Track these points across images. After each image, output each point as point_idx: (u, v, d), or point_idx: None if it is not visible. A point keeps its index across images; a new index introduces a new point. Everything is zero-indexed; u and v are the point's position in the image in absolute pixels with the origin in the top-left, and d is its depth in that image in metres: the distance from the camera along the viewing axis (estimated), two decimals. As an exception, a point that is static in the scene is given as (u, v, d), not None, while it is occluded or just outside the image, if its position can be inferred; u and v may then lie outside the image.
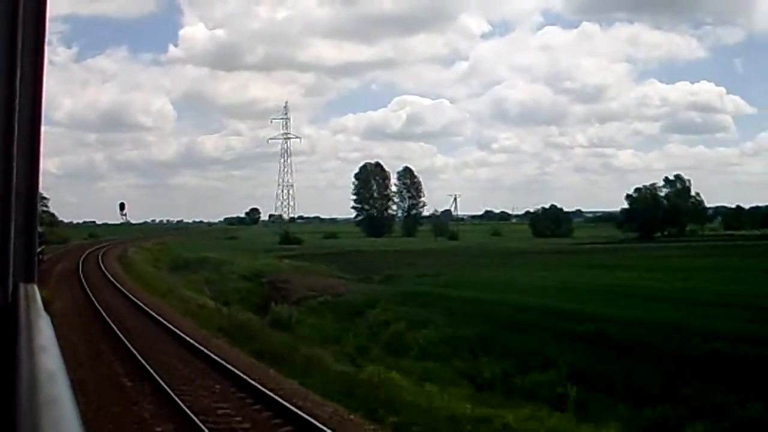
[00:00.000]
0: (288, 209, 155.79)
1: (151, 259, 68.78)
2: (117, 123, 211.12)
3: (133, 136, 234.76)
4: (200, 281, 46.21)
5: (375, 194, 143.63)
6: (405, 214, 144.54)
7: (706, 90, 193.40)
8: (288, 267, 49.89)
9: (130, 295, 32.28)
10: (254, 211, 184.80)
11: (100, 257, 59.35)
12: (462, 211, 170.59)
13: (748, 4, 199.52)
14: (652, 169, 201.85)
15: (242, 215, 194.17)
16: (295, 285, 39.36)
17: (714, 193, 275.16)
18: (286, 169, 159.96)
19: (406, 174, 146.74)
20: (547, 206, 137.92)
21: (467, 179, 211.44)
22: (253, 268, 47.71)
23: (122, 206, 61.46)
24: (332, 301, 34.21)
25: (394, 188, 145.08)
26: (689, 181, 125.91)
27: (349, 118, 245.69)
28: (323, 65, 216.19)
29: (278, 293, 38.02)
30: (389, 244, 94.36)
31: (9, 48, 2.24)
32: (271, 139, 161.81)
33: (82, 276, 40.37)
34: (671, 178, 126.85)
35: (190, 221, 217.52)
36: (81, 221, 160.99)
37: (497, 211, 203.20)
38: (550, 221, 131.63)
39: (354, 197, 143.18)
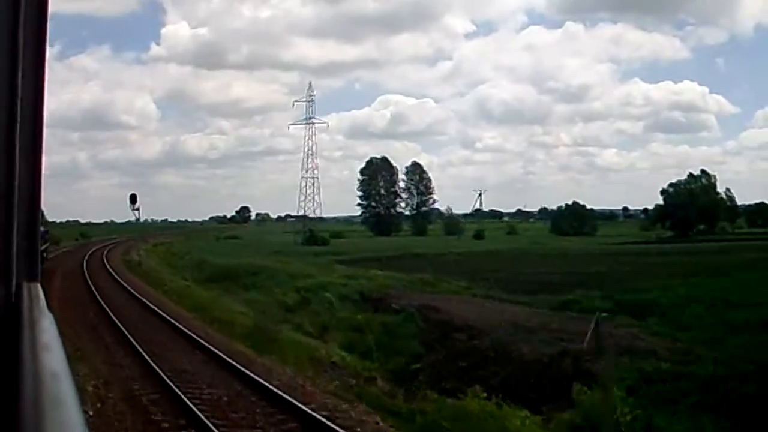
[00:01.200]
0: (313, 206, 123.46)
1: (165, 264, 56.64)
2: (100, 122, 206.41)
3: (116, 134, 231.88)
4: (272, 304, 32.40)
5: (382, 191, 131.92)
6: (414, 212, 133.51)
7: (689, 89, 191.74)
8: (389, 281, 35.54)
9: (200, 340, 19.26)
10: (244, 210, 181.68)
11: (106, 263, 48.25)
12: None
13: (730, 5, 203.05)
14: (635, 168, 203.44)
15: (228, 214, 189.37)
16: (482, 322, 23.38)
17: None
18: (309, 160, 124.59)
19: (415, 169, 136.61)
20: (569, 203, 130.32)
21: (452, 178, 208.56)
22: (348, 286, 33.21)
23: (133, 199, 48.81)
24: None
25: (402, 184, 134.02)
26: (715, 176, 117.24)
27: (332, 117, 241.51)
28: (307, 64, 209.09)
29: (467, 342, 22.54)
30: (414, 244, 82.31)
31: (11, 47, 2.12)
32: (292, 124, 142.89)
33: (99, 298, 27.67)
34: (697, 173, 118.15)
35: (175, 220, 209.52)
36: (64, 220, 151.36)
37: (487, 209, 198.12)
38: (573, 219, 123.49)
39: (360, 194, 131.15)
